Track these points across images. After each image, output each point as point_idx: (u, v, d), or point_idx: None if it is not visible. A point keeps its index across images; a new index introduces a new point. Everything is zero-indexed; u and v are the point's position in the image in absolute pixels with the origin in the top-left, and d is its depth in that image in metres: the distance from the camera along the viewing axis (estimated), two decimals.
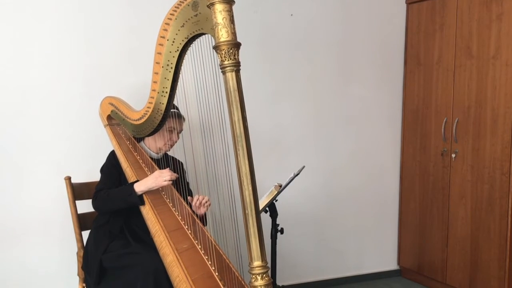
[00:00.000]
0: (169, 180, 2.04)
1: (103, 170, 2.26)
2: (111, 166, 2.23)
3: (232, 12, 1.38)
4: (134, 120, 2.06)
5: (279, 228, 2.33)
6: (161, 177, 2.03)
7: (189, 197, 2.13)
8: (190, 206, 2.16)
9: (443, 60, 3.15)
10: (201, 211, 2.13)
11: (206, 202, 2.13)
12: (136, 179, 2.08)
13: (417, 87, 3.37)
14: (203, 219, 2.16)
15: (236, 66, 1.39)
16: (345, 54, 3.34)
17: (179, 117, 2.23)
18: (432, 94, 3.25)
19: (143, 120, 1.97)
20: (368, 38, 3.38)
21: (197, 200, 2.13)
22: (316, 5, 3.22)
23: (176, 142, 2.28)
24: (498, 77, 2.79)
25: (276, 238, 2.33)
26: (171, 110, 1.97)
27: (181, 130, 2.27)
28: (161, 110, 1.84)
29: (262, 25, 3.09)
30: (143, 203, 2.05)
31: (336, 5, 3.27)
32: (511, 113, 2.73)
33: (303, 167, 2.39)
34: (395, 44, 3.45)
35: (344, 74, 3.35)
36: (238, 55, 1.40)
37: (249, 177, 1.42)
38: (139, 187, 2.04)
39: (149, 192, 2.07)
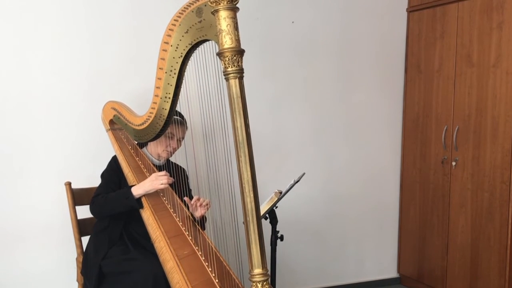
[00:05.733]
0: (166, 184, 2.03)
1: (103, 175, 2.26)
2: (112, 171, 2.23)
3: (236, 19, 1.39)
4: (136, 125, 2.06)
5: (279, 235, 2.32)
6: (158, 180, 2.03)
7: (185, 198, 2.10)
8: (188, 208, 2.15)
9: (443, 68, 3.16)
10: (199, 212, 2.11)
11: (206, 204, 2.11)
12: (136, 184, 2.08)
13: (418, 95, 3.38)
14: (201, 222, 2.15)
15: (240, 73, 1.40)
16: (346, 62, 3.34)
17: (181, 124, 2.23)
18: (432, 102, 3.25)
19: (145, 125, 1.97)
20: (369, 46, 3.39)
21: (196, 200, 2.10)
22: (317, 12, 3.23)
23: (176, 149, 2.27)
24: (499, 85, 2.80)
25: (276, 245, 2.32)
26: (174, 117, 1.97)
27: (182, 138, 2.27)
28: (163, 116, 1.83)
29: (263, 32, 3.10)
30: (141, 206, 2.05)
31: (337, 13, 3.29)
32: (511, 122, 2.74)
33: (303, 174, 2.39)
34: (396, 52, 3.46)
35: (345, 82, 3.36)
36: (241, 62, 1.40)
37: (250, 184, 1.42)
38: (136, 190, 2.05)
39: (150, 198, 2.07)
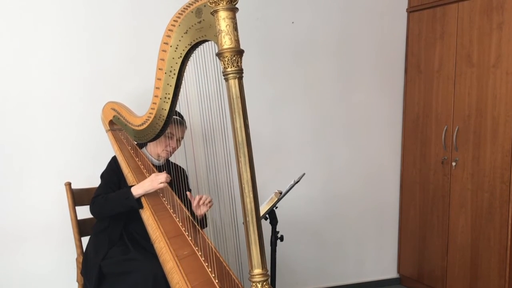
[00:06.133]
0: (165, 182, 2.04)
1: (103, 175, 2.26)
2: (112, 171, 2.23)
3: (236, 20, 1.39)
4: (136, 126, 2.06)
5: (279, 235, 2.33)
6: (157, 180, 2.03)
7: (188, 192, 2.12)
8: (190, 204, 2.15)
9: (443, 68, 3.16)
10: (201, 210, 2.12)
11: (208, 202, 2.12)
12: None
13: (418, 95, 3.38)
14: (203, 220, 2.15)
15: (239, 73, 1.40)
16: (346, 62, 3.34)
17: (180, 124, 2.23)
18: (432, 102, 3.25)
19: (145, 126, 1.97)
20: (369, 46, 3.39)
21: (199, 199, 2.11)
22: (317, 12, 3.23)
23: (176, 149, 2.27)
24: (499, 85, 2.80)
25: (276, 245, 2.33)
26: (173, 117, 1.97)
27: (181, 137, 2.27)
28: (163, 116, 1.84)
29: (263, 32, 3.10)
30: (141, 206, 2.05)
31: (337, 13, 3.28)
32: (511, 122, 2.74)
33: (303, 174, 2.39)
34: (396, 52, 3.46)
35: (344, 82, 3.36)
36: (241, 62, 1.40)
37: (250, 184, 1.42)
38: (136, 190, 2.05)
39: (150, 198, 2.07)
